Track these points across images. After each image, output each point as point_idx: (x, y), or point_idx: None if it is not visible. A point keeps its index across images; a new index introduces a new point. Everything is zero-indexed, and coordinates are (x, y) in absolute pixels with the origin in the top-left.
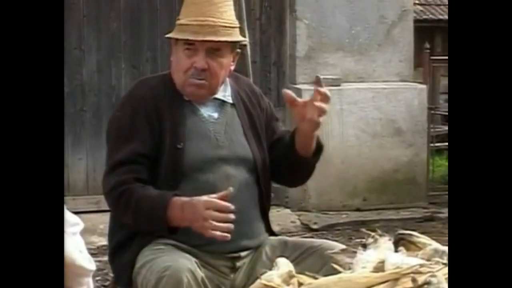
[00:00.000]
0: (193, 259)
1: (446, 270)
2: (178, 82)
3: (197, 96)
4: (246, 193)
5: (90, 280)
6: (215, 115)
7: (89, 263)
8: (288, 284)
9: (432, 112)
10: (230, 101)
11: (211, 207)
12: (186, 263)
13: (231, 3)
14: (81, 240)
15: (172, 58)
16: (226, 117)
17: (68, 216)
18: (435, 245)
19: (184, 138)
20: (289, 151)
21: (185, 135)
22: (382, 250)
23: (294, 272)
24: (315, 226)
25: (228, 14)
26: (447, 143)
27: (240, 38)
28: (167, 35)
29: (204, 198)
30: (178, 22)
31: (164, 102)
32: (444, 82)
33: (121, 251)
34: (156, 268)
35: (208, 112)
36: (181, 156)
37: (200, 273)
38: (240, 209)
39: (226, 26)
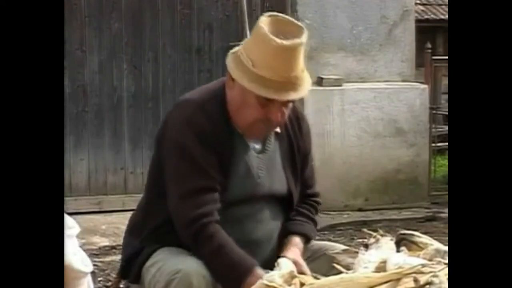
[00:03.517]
0: None
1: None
2: (242, 123)
3: (260, 137)
4: (273, 223)
5: (89, 280)
6: (259, 147)
7: (85, 266)
8: (289, 284)
9: (434, 112)
10: (277, 130)
11: None
12: (196, 267)
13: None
14: (75, 242)
15: (234, 94)
16: (268, 148)
17: (65, 219)
18: (437, 245)
19: (232, 173)
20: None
21: (233, 170)
22: (384, 250)
23: (295, 272)
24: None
25: (302, 61)
26: None
27: (310, 81)
28: (241, 82)
29: None
30: (254, 69)
31: (222, 132)
32: (445, 82)
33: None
34: (166, 270)
35: (253, 143)
36: (226, 189)
37: (210, 278)
38: (263, 242)
39: (303, 78)
